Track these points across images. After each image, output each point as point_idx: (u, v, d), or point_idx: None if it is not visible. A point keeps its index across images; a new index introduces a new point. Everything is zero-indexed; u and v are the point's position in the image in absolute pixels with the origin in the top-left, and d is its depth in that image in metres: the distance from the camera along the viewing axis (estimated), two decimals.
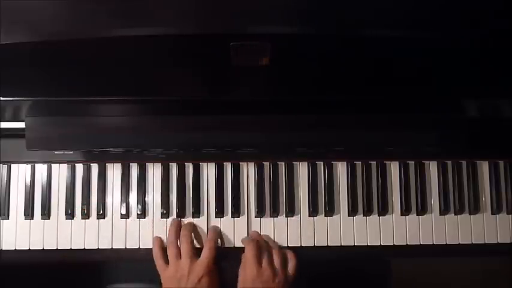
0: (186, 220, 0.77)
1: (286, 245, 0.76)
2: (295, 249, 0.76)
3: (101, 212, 0.76)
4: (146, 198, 0.77)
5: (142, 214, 0.76)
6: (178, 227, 0.74)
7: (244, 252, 0.73)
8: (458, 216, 0.78)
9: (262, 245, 0.73)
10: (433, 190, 0.79)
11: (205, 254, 0.71)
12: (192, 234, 0.74)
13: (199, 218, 0.77)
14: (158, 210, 0.77)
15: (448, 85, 0.67)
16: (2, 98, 0.64)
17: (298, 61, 0.65)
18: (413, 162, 0.79)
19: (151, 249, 0.74)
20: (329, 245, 0.77)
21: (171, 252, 0.72)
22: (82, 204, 0.76)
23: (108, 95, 0.65)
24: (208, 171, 0.78)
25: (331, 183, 0.78)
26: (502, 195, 0.79)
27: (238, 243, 0.76)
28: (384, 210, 0.77)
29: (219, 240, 0.76)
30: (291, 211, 0.77)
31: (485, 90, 0.67)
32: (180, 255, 0.71)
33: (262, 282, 0.70)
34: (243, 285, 0.71)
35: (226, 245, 0.76)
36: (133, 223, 0.77)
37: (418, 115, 0.70)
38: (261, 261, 0.71)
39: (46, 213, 0.76)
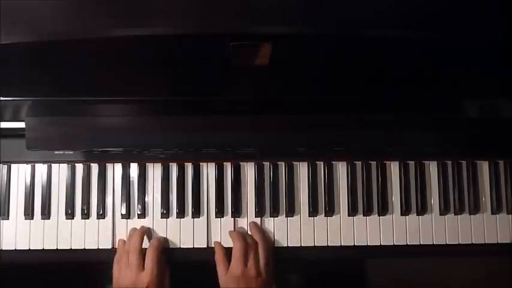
0: (185, 220, 0.77)
1: (286, 245, 0.77)
2: (294, 249, 0.76)
3: (101, 212, 0.76)
4: (146, 198, 0.77)
5: (142, 214, 0.76)
6: (132, 237, 0.74)
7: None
8: (458, 216, 0.78)
9: (249, 243, 0.73)
10: (433, 190, 0.79)
11: (148, 264, 0.70)
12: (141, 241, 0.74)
13: (199, 218, 0.77)
14: (158, 210, 0.77)
15: (448, 85, 0.67)
16: (2, 98, 0.64)
17: (298, 61, 0.65)
18: (413, 162, 0.79)
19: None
20: (329, 245, 0.77)
21: (123, 262, 0.72)
22: (82, 204, 0.76)
23: (108, 95, 0.65)
24: (208, 171, 0.78)
25: (331, 183, 0.78)
26: (502, 195, 0.79)
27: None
28: (384, 210, 0.77)
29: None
30: (291, 211, 0.77)
31: (485, 90, 0.67)
32: (129, 264, 0.71)
33: (246, 282, 0.70)
34: (225, 283, 0.71)
35: (226, 245, 0.76)
36: (133, 223, 0.77)
37: (418, 115, 0.70)
38: (247, 258, 0.71)
39: (46, 213, 0.76)
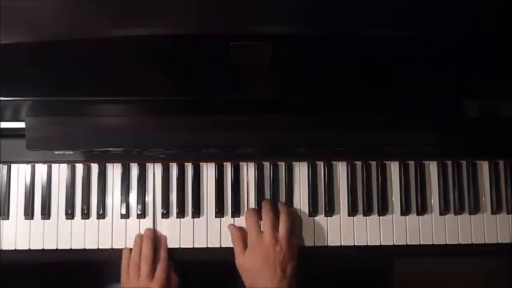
0: (185, 220, 0.77)
1: None
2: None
3: (101, 212, 0.76)
4: (146, 198, 0.77)
5: (142, 214, 0.76)
6: (140, 246, 0.74)
7: None
8: (458, 216, 0.78)
9: (265, 213, 0.72)
10: (433, 190, 0.79)
11: (158, 274, 0.71)
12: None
13: (199, 218, 0.77)
14: (158, 210, 0.77)
15: (448, 85, 0.67)
16: (2, 98, 0.64)
17: (298, 61, 0.65)
18: (413, 162, 0.79)
19: None
20: (329, 245, 0.77)
21: (132, 271, 0.72)
22: (82, 204, 0.76)
23: (108, 95, 0.65)
24: (208, 171, 0.78)
25: (331, 183, 0.78)
26: (502, 195, 0.79)
27: None
28: (384, 210, 0.77)
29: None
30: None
31: (485, 90, 0.67)
32: (140, 274, 0.72)
33: (262, 249, 0.69)
34: (243, 254, 0.71)
35: (226, 245, 0.76)
36: (133, 223, 0.77)
37: (418, 115, 0.70)
38: (260, 227, 0.71)
39: (46, 213, 0.76)
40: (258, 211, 0.75)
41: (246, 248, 0.71)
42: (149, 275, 0.71)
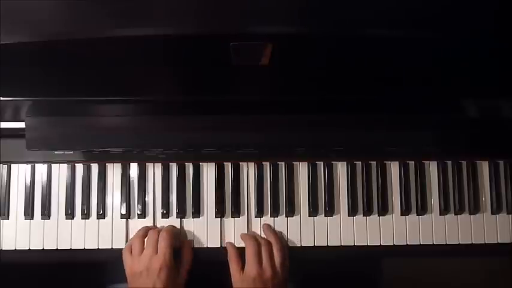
0: (185, 220, 0.77)
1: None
2: (294, 249, 0.76)
3: (101, 212, 0.76)
4: (146, 198, 0.77)
5: (142, 214, 0.76)
6: (148, 228, 0.75)
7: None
8: (458, 216, 0.78)
9: (262, 243, 0.73)
10: (433, 190, 0.79)
11: (161, 246, 0.71)
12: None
13: (199, 218, 0.77)
14: (158, 210, 0.77)
15: (448, 85, 0.67)
16: (2, 98, 0.64)
17: (298, 61, 0.65)
18: (413, 162, 0.79)
19: None
20: (329, 245, 0.77)
21: (135, 247, 0.72)
22: (82, 204, 0.76)
23: (108, 95, 0.65)
24: (208, 171, 0.78)
25: (331, 183, 0.78)
26: (502, 195, 0.79)
27: (238, 243, 0.76)
28: (383, 210, 0.77)
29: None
30: (291, 211, 0.77)
31: (485, 90, 0.67)
32: (143, 250, 0.71)
33: (262, 282, 0.70)
34: (240, 283, 0.71)
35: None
36: (133, 223, 0.77)
37: (418, 115, 0.70)
38: (261, 259, 0.71)
39: (46, 213, 0.76)
40: (255, 236, 0.75)
41: (242, 267, 0.72)
42: (153, 249, 0.70)
